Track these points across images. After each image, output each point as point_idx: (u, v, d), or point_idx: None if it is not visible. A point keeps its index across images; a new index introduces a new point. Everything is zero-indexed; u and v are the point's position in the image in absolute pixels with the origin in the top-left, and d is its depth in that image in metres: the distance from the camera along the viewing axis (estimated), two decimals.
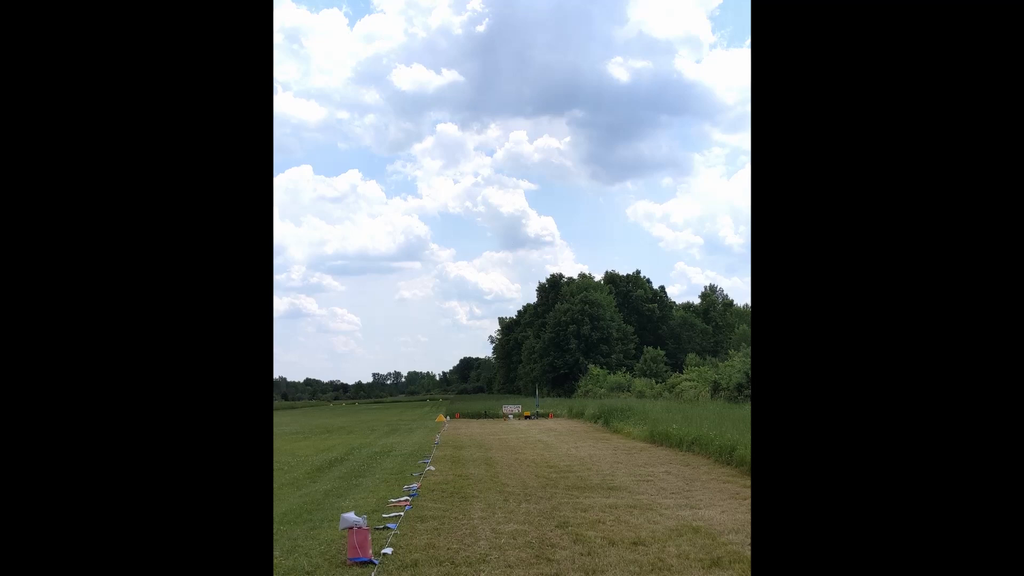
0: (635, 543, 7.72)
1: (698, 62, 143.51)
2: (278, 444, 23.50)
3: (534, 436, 24.03)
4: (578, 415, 34.13)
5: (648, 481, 12.42)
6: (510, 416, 37.58)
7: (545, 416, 36.80)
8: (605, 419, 27.77)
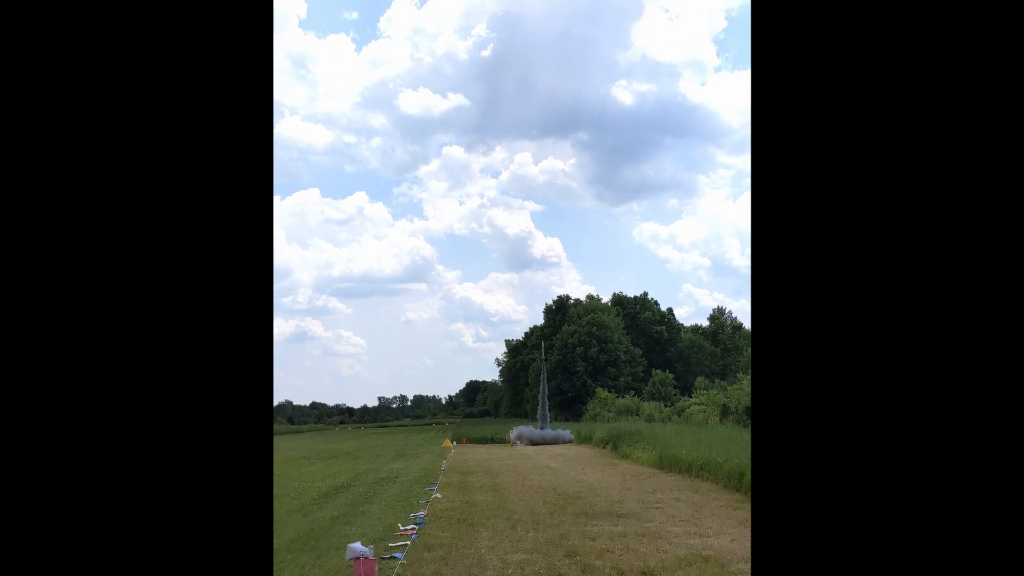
0: (644, 573, 7.63)
1: (703, 84, 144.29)
2: (284, 470, 23.41)
3: (542, 462, 23.88)
4: (586, 439, 33.91)
5: (657, 508, 12.31)
6: (516, 442, 37.33)
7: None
8: (614, 444, 27.58)
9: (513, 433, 39.05)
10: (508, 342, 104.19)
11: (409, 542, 9.57)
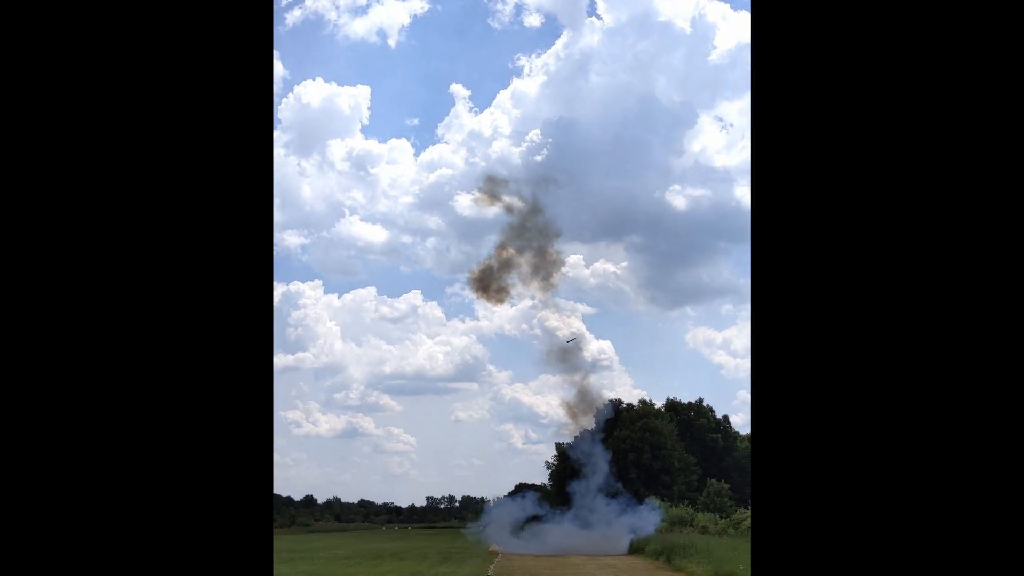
0: None
1: None
2: (328, 569, 23.10)
3: (591, 572, 23.04)
4: (638, 551, 32.63)
5: None
6: None
7: None
8: (667, 556, 26.47)
9: None
10: (558, 445, 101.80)
11: None
